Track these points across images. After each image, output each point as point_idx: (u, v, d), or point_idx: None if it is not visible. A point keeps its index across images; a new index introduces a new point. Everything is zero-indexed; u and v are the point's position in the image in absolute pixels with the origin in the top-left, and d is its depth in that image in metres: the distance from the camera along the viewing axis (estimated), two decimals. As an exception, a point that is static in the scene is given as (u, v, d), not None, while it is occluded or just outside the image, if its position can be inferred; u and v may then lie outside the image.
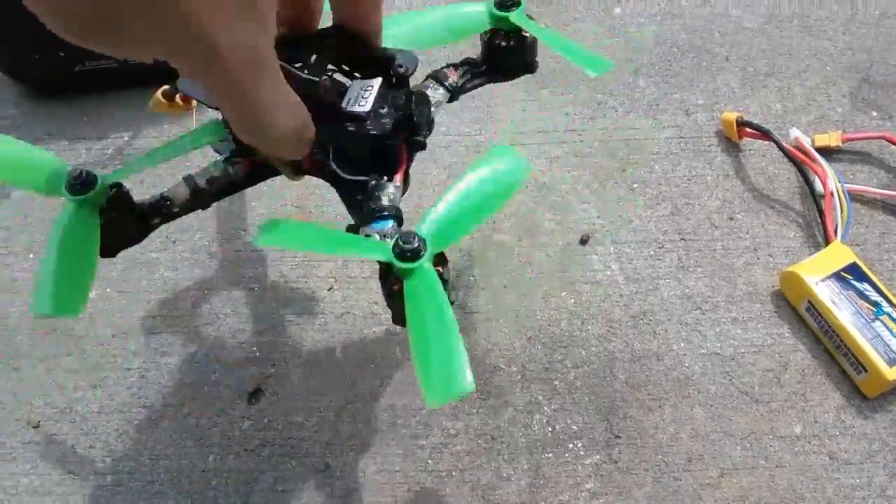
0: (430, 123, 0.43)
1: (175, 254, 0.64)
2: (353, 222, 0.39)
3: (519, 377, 0.57)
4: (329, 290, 0.62)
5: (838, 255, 0.59)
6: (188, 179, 0.43)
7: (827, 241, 0.61)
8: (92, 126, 0.73)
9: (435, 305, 0.33)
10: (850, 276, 0.57)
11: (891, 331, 0.55)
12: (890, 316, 0.55)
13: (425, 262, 0.34)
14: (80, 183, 0.41)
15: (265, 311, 0.61)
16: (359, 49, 0.37)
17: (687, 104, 0.71)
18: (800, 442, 0.55)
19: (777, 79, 0.72)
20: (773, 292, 0.60)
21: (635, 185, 0.66)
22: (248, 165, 0.43)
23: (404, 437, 0.56)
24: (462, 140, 0.69)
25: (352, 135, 0.37)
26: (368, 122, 0.37)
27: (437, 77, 0.47)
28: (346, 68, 0.39)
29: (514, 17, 0.44)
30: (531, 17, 0.46)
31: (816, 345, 0.58)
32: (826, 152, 0.65)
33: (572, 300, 0.60)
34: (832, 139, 0.65)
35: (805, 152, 0.64)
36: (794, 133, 0.65)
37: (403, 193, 0.41)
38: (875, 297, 0.56)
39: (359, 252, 0.38)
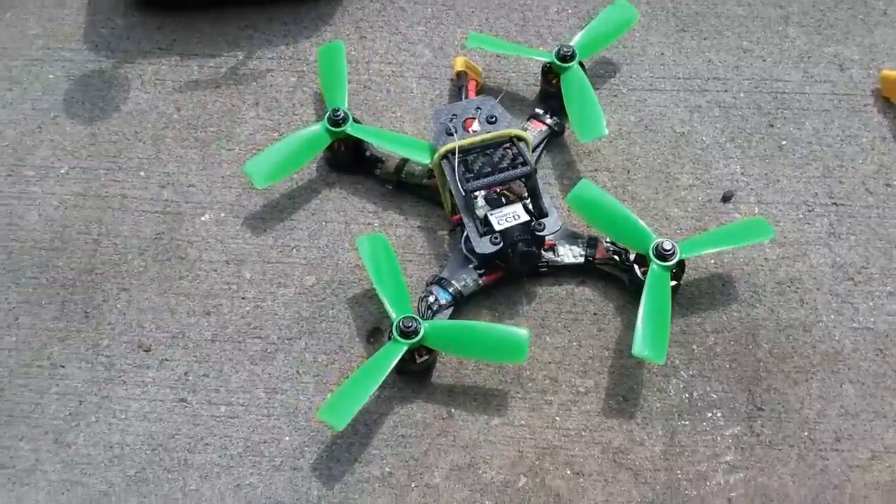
0: (531, 266, 0.55)
1: (292, 182, 0.61)
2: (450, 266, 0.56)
3: (655, 337, 0.53)
4: (451, 231, 0.59)
5: None
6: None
7: None
8: (204, 43, 0.69)
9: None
10: None
11: None
12: None
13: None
14: None
15: (386, 248, 0.58)
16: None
17: (841, 58, 0.65)
18: (955, 430, 0.51)
19: (942, 37, 0.66)
20: (932, 268, 0.56)
21: (784, 143, 0.61)
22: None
23: (530, 392, 0.52)
24: (595, 82, 0.64)
25: (475, 236, 0.53)
26: (481, 239, 0.52)
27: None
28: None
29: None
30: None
31: (979, 327, 0.53)
32: None
33: (712, 260, 0.56)
34: None
35: (978, 118, 0.58)
36: (965, 96, 0.60)
37: (479, 287, 0.54)
38: None
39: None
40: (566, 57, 0.60)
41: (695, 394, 0.52)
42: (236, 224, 0.60)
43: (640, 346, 0.49)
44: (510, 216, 0.53)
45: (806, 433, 0.51)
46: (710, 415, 0.51)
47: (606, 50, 0.66)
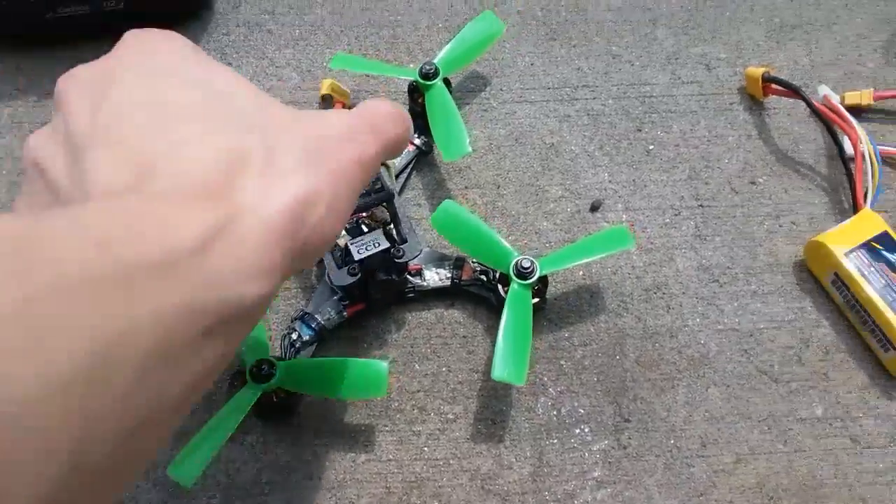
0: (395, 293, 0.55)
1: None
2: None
3: (522, 356, 0.53)
4: (318, 263, 0.58)
5: (868, 223, 0.54)
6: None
7: (856, 208, 0.56)
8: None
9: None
10: (880, 247, 0.53)
11: (925, 309, 0.51)
12: (924, 292, 0.51)
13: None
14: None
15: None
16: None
17: (708, 58, 0.65)
18: (821, 424, 0.51)
19: (804, 31, 0.67)
20: (795, 263, 0.56)
21: (651, 147, 0.61)
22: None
23: (398, 423, 0.52)
24: (466, 97, 0.64)
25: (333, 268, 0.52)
26: (339, 270, 0.51)
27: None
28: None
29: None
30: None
31: (841, 320, 0.54)
32: (856, 111, 0.60)
33: (581, 272, 0.56)
34: (863, 97, 0.60)
35: (835, 111, 0.59)
36: (824, 90, 0.60)
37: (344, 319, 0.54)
38: (909, 271, 0.52)
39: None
40: (429, 74, 0.59)
41: (563, 410, 0.52)
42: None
43: (499, 370, 0.49)
44: (370, 244, 0.51)
45: (672, 441, 0.51)
46: (577, 431, 0.51)
47: (477, 63, 0.66)
